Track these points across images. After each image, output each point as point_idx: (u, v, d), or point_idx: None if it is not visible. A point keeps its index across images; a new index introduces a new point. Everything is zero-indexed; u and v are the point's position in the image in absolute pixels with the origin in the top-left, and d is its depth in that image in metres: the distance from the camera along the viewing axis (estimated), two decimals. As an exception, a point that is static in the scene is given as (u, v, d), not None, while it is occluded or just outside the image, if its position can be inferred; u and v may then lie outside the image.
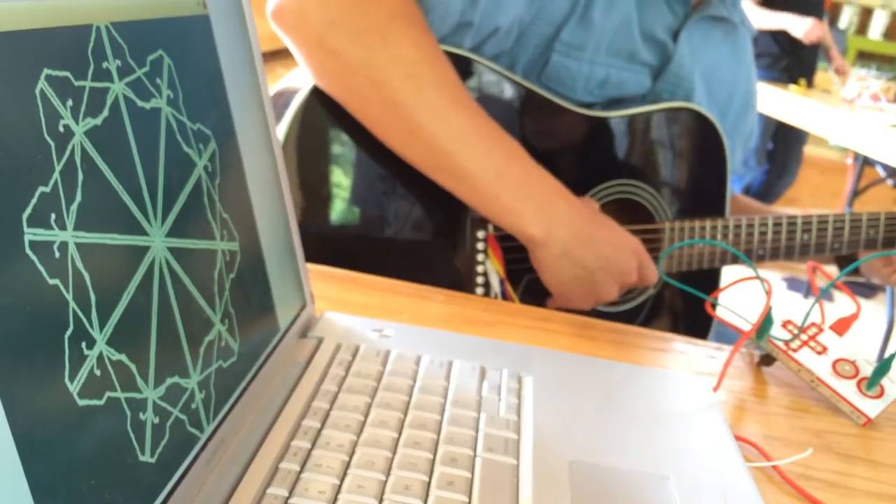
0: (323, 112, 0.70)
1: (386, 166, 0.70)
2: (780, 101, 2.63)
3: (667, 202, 0.81)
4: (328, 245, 0.71)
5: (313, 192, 0.71)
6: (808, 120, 2.53)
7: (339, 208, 0.72)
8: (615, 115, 0.78)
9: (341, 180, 0.71)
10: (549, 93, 0.76)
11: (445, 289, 0.66)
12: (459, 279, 0.74)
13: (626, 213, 0.79)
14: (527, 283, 0.75)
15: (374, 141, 0.68)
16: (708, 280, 0.85)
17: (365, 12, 0.64)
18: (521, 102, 0.75)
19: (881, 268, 0.87)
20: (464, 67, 0.72)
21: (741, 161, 0.95)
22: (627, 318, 0.81)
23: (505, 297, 0.73)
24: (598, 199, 0.78)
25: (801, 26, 2.87)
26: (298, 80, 0.72)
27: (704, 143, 0.82)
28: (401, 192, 0.72)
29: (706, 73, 0.85)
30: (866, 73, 2.89)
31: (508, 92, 0.74)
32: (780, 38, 2.93)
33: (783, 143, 3.05)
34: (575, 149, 0.78)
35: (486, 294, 0.74)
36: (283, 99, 0.71)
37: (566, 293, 0.70)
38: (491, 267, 0.73)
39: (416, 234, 0.73)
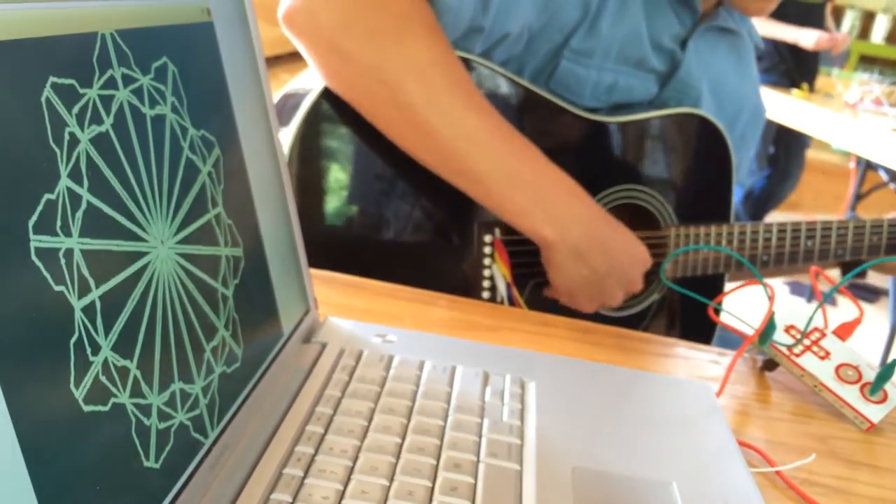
0: (334, 114, 0.70)
1: (395, 170, 0.70)
2: (782, 106, 2.63)
3: (672, 207, 0.81)
4: (333, 250, 0.71)
5: (322, 194, 0.71)
6: (811, 124, 2.53)
7: (347, 212, 0.72)
8: (622, 121, 0.78)
9: (350, 183, 0.71)
10: (557, 98, 0.76)
11: (452, 293, 0.66)
12: (466, 283, 0.74)
13: (632, 218, 0.79)
14: (533, 286, 0.75)
15: (384, 144, 0.68)
16: (711, 285, 0.85)
17: (377, 15, 0.64)
18: (530, 107, 0.75)
19: None
20: (473, 72, 0.72)
21: (746, 171, 0.95)
22: (631, 322, 0.81)
23: (511, 301, 0.73)
24: (604, 204, 0.78)
25: (809, 37, 2.86)
26: (307, 82, 0.72)
27: (710, 148, 0.82)
28: (408, 197, 0.72)
29: (714, 83, 0.85)
30: (869, 77, 2.89)
31: (517, 96, 0.75)
32: (780, 42, 2.93)
33: (785, 148, 3.05)
34: (582, 153, 0.78)
35: (493, 298, 0.74)
36: (292, 101, 0.71)
37: (572, 293, 0.70)
38: (497, 271, 0.73)
39: (423, 239, 0.73)
